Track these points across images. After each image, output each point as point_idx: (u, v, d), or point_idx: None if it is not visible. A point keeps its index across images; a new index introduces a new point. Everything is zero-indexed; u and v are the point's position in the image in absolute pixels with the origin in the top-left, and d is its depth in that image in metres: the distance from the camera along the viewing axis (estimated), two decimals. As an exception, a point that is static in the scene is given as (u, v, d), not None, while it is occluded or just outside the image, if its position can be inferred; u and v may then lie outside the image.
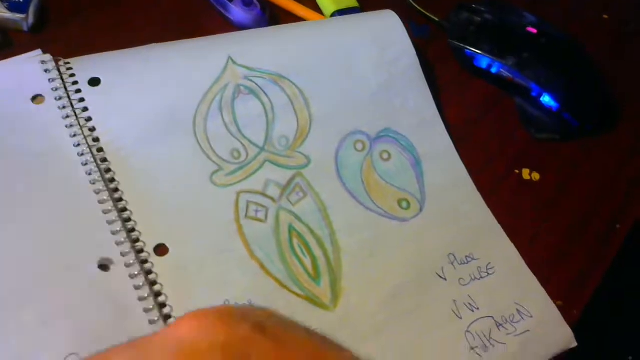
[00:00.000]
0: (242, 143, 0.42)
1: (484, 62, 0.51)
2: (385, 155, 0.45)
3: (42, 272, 0.35)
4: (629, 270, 0.49)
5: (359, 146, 0.44)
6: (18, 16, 0.45)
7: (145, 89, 0.42)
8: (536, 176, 0.48)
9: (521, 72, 0.50)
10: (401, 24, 0.49)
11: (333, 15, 0.52)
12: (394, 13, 0.50)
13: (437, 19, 0.54)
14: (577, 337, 0.40)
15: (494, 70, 0.51)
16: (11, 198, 0.37)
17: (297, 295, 0.38)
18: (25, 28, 0.46)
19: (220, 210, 0.40)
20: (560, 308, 0.41)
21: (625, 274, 0.48)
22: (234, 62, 0.44)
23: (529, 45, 0.51)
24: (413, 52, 0.49)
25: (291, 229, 0.40)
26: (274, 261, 0.39)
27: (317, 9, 0.53)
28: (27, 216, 0.37)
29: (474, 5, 0.54)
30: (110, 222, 0.37)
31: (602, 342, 0.56)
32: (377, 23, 0.49)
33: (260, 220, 0.40)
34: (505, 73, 0.51)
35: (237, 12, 0.50)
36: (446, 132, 0.47)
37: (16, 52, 0.45)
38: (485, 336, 0.39)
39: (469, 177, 0.46)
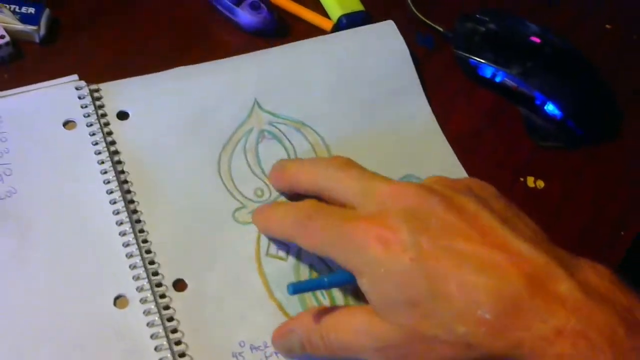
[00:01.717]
0: (265, 183, 0.43)
1: (488, 71, 0.52)
2: None
3: (58, 307, 0.35)
4: (634, 277, 0.49)
5: None
6: (30, 28, 0.46)
7: (172, 127, 0.43)
8: (541, 184, 0.48)
9: (525, 81, 0.51)
10: (407, 50, 0.50)
11: (340, 19, 0.52)
12: (398, 33, 0.51)
13: (441, 29, 0.55)
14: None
15: (498, 79, 0.52)
16: (34, 224, 0.38)
17: None
18: (36, 40, 0.46)
19: (241, 247, 0.40)
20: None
21: (631, 280, 0.48)
22: (260, 107, 0.46)
23: (532, 54, 0.52)
24: (425, 101, 0.49)
25: (312, 268, 0.40)
26: (294, 304, 0.38)
27: (324, 13, 0.54)
28: (48, 245, 0.37)
29: (478, 16, 0.54)
30: (129, 256, 0.37)
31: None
32: (384, 54, 0.50)
33: (282, 259, 0.40)
34: (509, 82, 0.51)
35: (244, 16, 0.50)
36: (462, 168, 0.47)
37: (27, 64, 0.46)
38: None
39: None
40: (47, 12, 0.47)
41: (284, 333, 0.35)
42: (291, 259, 0.40)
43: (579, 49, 0.54)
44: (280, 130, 0.45)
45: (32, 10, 0.46)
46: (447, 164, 0.47)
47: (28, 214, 0.38)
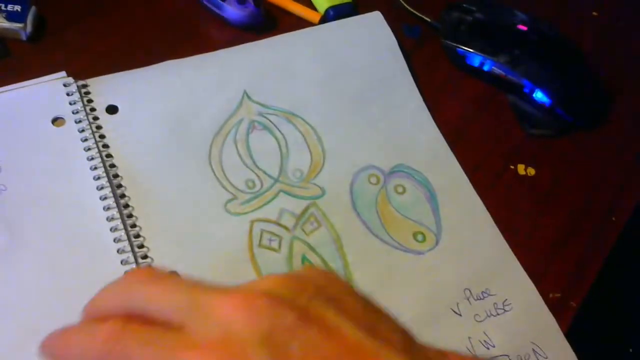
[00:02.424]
0: (256, 174, 0.43)
1: (476, 60, 0.52)
2: (400, 189, 0.45)
3: (49, 304, 0.35)
4: (627, 262, 0.49)
5: (373, 180, 0.45)
6: (16, 25, 0.45)
7: (162, 119, 0.43)
8: (531, 171, 0.48)
9: (513, 69, 0.51)
10: (394, 40, 0.51)
11: (327, 11, 0.52)
12: (385, 24, 0.51)
13: (428, 20, 0.55)
14: (576, 329, 0.41)
15: (486, 68, 0.52)
16: (24, 220, 0.38)
17: None
18: (23, 37, 0.46)
19: (233, 238, 0.40)
20: (558, 300, 0.42)
21: (624, 265, 0.49)
22: (249, 98, 0.46)
23: (520, 42, 0.52)
24: (415, 89, 0.50)
25: (304, 259, 0.40)
26: None
27: (311, 5, 0.54)
28: (38, 241, 0.37)
29: (464, 5, 0.54)
30: (120, 251, 0.37)
31: (601, 334, 0.56)
32: (372, 44, 0.51)
33: (274, 250, 0.40)
34: (497, 70, 0.52)
35: (231, 11, 0.50)
36: (459, 166, 0.47)
37: (15, 62, 0.45)
38: None
39: (485, 209, 0.45)
40: (33, 9, 0.46)
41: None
42: (284, 250, 0.40)
43: (566, 36, 0.54)
44: (270, 121, 0.45)
45: (18, 7, 0.46)
46: (438, 152, 0.47)
47: (18, 211, 0.38)
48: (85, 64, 0.46)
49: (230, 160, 0.43)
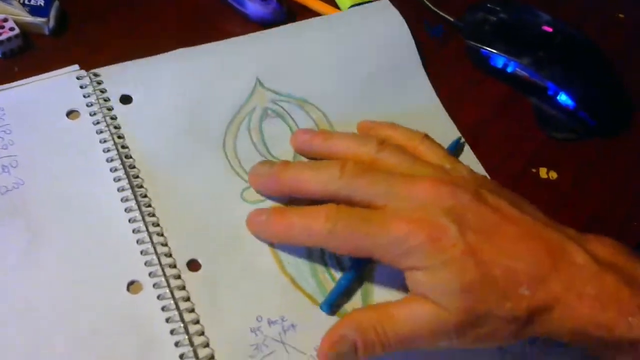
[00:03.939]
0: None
1: (499, 61, 0.51)
2: None
3: (72, 297, 0.35)
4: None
5: None
6: (39, 20, 0.46)
7: (176, 109, 0.43)
8: (553, 175, 0.48)
9: (537, 71, 0.50)
10: (406, 28, 0.50)
11: (350, 9, 0.52)
12: (394, 11, 0.51)
13: (451, 19, 0.54)
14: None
15: (509, 69, 0.51)
16: (43, 215, 0.38)
17: None
18: (46, 32, 0.46)
19: None
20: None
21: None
22: (262, 85, 0.46)
23: (544, 44, 0.51)
24: (425, 77, 0.50)
25: None
26: (306, 277, 0.39)
27: (333, 3, 0.53)
28: (58, 236, 0.37)
29: (488, 5, 0.54)
30: (140, 242, 0.37)
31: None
32: (383, 31, 0.50)
33: None
34: (521, 72, 0.51)
35: (253, 7, 0.50)
36: (475, 157, 0.47)
37: (37, 56, 0.46)
38: None
39: None
40: (56, 4, 0.47)
41: (334, 342, 0.34)
42: None
43: (591, 39, 0.53)
44: (283, 108, 0.45)
45: (41, 2, 0.46)
46: (449, 140, 0.47)
47: (36, 205, 0.38)
48: (107, 59, 0.45)
49: (245, 149, 0.43)
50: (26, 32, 0.46)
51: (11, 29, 0.44)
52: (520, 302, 0.33)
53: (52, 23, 0.46)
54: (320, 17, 0.52)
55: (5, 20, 0.45)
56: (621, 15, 0.59)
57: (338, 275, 0.39)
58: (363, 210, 0.35)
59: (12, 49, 0.45)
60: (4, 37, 0.44)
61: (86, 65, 0.44)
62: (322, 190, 0.37)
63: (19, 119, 0.41)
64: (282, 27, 0.50)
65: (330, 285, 0.39)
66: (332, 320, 0.37)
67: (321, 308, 0.37)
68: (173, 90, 0.44)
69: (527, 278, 0.33)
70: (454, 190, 0.34)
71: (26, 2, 0.46)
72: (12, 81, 0.43)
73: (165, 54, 0.45)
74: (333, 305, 0.38)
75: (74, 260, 0.37)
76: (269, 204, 0.41)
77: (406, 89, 0.49)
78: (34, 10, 0.46)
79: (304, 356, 0.36)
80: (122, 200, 0.39)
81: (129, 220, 0.38)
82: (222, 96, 0.44)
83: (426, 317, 0.33)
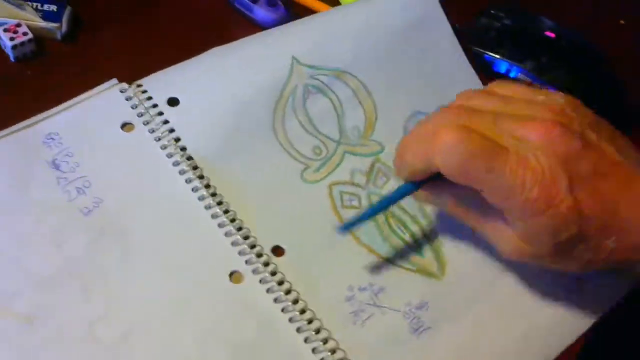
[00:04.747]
0: (320, 140, 0.44)
1: (502, 66, 0.52)
2: None
3: (178, 297, 0.37)
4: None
5: None
6: (52, 25, 0.46)
7: (222, 103, 0.44)
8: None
9: (540, 76, 0.51)
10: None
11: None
12: None
13: (456, 25, 0.55)
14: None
15: (512, 74, 0.52)
16: (129, 226, 0.39)
17: (408, 270, 0.40)
18: (58, 37, 0.46)
19: (318, 204, 0.42)
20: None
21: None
22: (299, 62, 0.46)
23: (547, 49, 0.52)
24: (451, 32, 0.51)
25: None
26: (379, 243, 0.41)
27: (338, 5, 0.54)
28: (149, 243, 0.38)
29: (492, 11, 0.55)
30: (228, 234, 0.39)
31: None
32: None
33: (356, 208, 0.42)
34: (524, 77, 0.52)
35: (261, 13, 0.51)
36: None
37: (50, 61, 0.46)
38: None
39: None
40: (69, 9, 0.47)
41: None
42: (365, 206, 0.42)
43: (593, 44, 0.54)
44: (322, 82, 0.46)
45: (54, 7, 0.46)
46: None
47: (120, 219, 0.39)
48: (119, 64, 0.45)
49: (294, 130, 0.44)
50: (39, 37, 0.46)
51: (24, 33, 0.45)
52: (604, 252, 0.35)
53: (64, 28, 0.46)
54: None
55: (19, 25, 0.45)
56: (622, 22, 0.60)
57: (406, 236, 0.41)
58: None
59: (25, 54, 0.45)
60: (17, 41, 0.44)
61: (101, 72, 0.44)
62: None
63: (76, 141, 0.41)
64: (309, 17, 0.51)
65: (402, 247, 0.41)
66: (416, 279, 0.40)
67: (339, 230, 0.40)
68: (215, 86, 0.44)
69: (617, 230, 0.34)
70: (563, 134, 0.34)
71: (39, 7, 0.46)
72: (25, 86, 0.43)
73: (199, 55, 0.46)
74: (348, 227, 0.40)
75: (171, 264, 0.38)
76: (328, 181, 0.43)
77: (430, 44, 0.50)
78: (47, 16, 0.46)
79: (399, 313, 0.39)
80: (199, 199, 0.40)
81: (212, 217, 0.39)
82: (262, 82, 0.45)
83: (510, 243, 0.36)
